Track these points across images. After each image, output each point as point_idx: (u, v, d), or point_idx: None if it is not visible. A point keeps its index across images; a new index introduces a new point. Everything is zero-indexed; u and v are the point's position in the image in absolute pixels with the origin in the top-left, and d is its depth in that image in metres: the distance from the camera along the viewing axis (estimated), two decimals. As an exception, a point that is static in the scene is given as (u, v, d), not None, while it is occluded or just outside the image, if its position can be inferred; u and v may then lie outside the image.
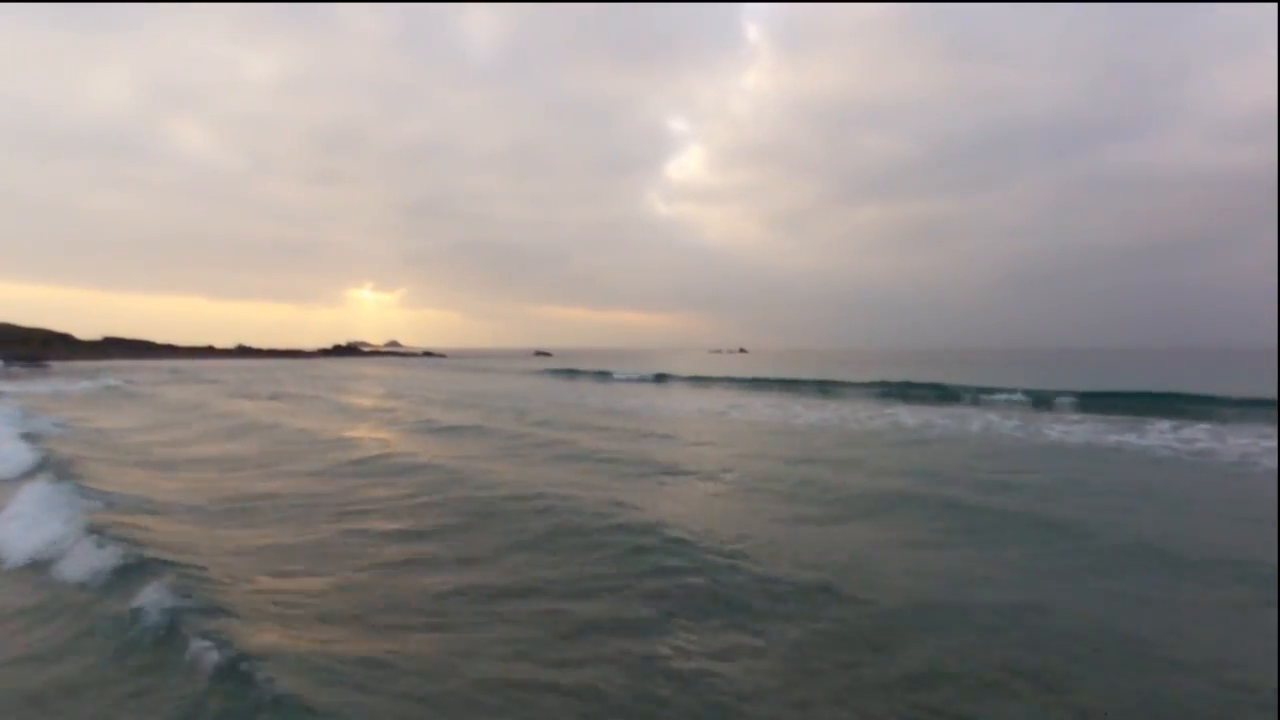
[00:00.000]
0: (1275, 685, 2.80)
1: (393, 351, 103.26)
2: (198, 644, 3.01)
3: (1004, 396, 18.48)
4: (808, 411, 16.46)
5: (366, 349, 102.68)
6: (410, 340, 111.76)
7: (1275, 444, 9.79)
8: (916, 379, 24.44)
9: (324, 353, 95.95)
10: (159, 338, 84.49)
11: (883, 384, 23.44)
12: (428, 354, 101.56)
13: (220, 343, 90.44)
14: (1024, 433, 11.89)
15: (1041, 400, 17.65)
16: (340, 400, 19.62)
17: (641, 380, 32.84)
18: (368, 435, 11.45)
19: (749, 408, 17.73)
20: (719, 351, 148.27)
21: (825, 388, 24.43)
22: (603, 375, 36.60)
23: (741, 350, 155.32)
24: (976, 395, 19.31)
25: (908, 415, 15.27)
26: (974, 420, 13.93)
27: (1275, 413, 13.64)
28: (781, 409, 17.27)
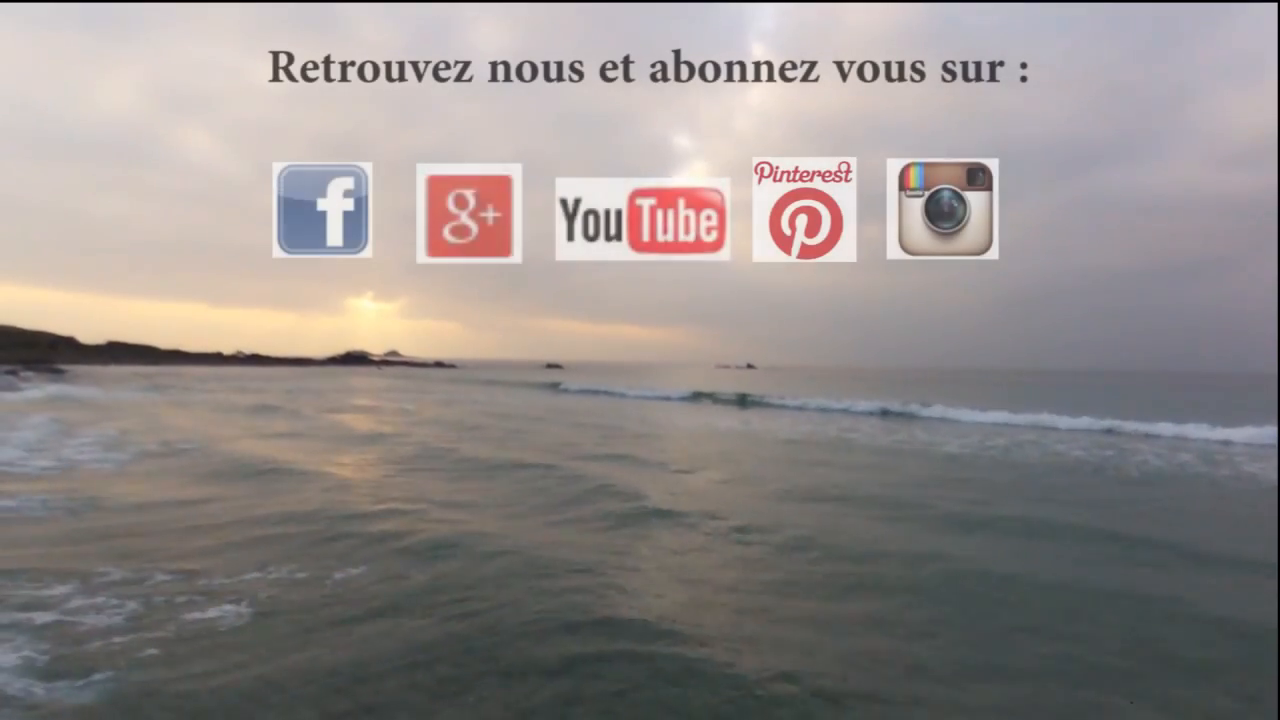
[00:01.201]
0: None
1: (404, 361, 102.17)
2: None
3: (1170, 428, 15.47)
4: (943, 440, 14.14)
5: (376, 358, 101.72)
6: (410, 350, 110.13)
7: None
8: (983, 400, 23.33)
9: (333, 361, 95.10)
10: (159, 343, 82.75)
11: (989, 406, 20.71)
12: (438, 364, 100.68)
13: (219, 349, 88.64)
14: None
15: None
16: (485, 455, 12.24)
17: (681, 399, 31.11)
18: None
19: (863, 432, 15.75)
20: (726, 367, 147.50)
21: (907, 408, 21.83)
22: (638, 392, 35.02)
23: (749, 366, 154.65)
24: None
25: (1069, 446, 12.84)
26: (1183, 456, 11.65)
27: None
28: (897, 434, 15.15)
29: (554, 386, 39.95)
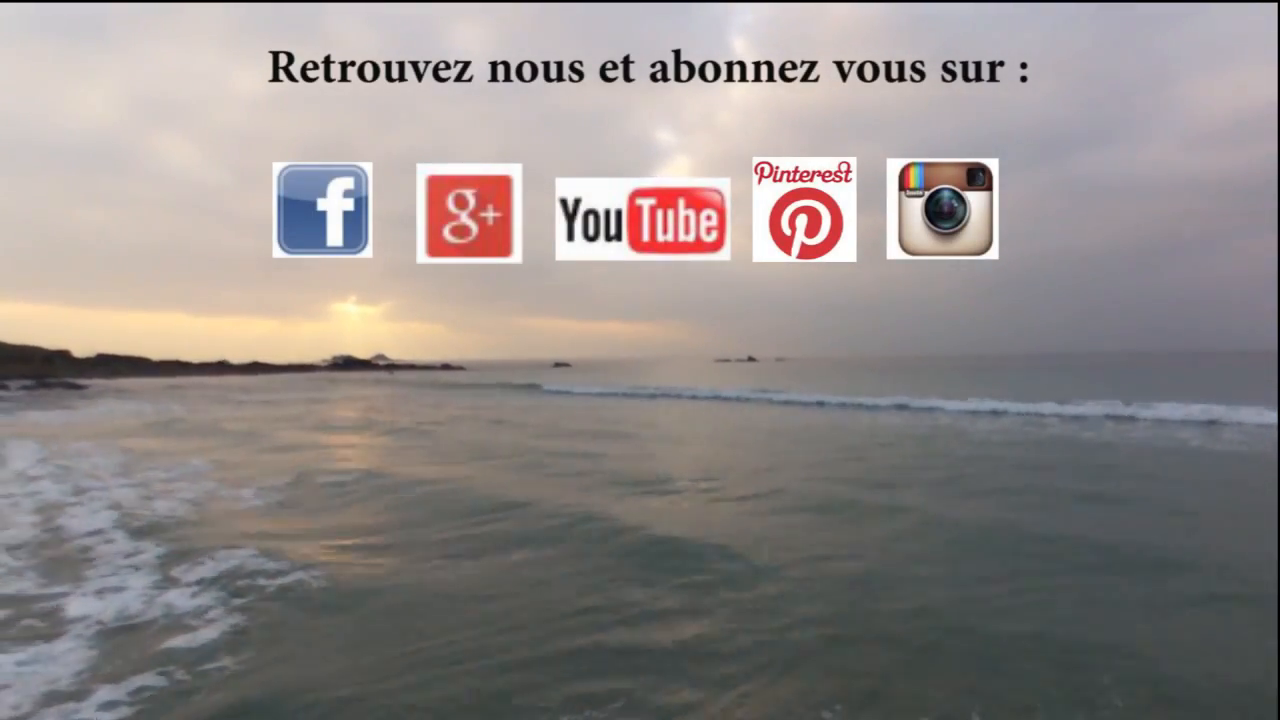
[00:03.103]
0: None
1: (412, 365, 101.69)
2: None
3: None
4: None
5: (383, 363, 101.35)
6: (396, 353, 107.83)
7: None
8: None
9: (334, 366, 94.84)
10: (141, 354, 78.15)
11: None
12: (445, 367, 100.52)
13: (202, 358, 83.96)
14: None
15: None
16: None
17: (735, 398, 28.94)
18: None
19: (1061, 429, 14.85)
20: (726, 360, 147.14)
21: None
22: (670, 391, 33.33)
23: (750, 359, 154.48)
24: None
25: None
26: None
27: None
28: (1082, 429, 14.59)
29: (601, 394, 35.93)
